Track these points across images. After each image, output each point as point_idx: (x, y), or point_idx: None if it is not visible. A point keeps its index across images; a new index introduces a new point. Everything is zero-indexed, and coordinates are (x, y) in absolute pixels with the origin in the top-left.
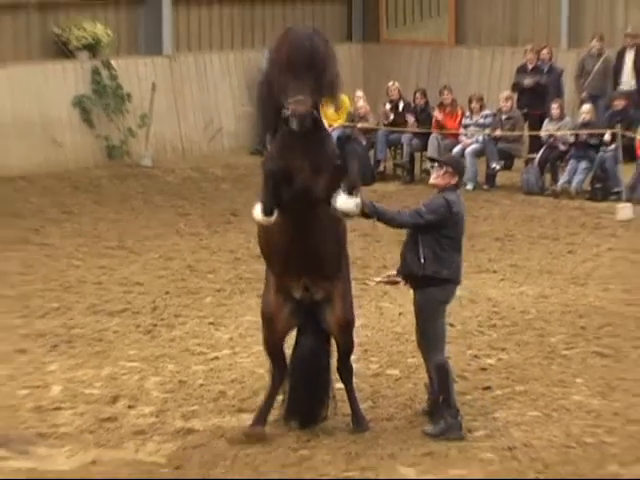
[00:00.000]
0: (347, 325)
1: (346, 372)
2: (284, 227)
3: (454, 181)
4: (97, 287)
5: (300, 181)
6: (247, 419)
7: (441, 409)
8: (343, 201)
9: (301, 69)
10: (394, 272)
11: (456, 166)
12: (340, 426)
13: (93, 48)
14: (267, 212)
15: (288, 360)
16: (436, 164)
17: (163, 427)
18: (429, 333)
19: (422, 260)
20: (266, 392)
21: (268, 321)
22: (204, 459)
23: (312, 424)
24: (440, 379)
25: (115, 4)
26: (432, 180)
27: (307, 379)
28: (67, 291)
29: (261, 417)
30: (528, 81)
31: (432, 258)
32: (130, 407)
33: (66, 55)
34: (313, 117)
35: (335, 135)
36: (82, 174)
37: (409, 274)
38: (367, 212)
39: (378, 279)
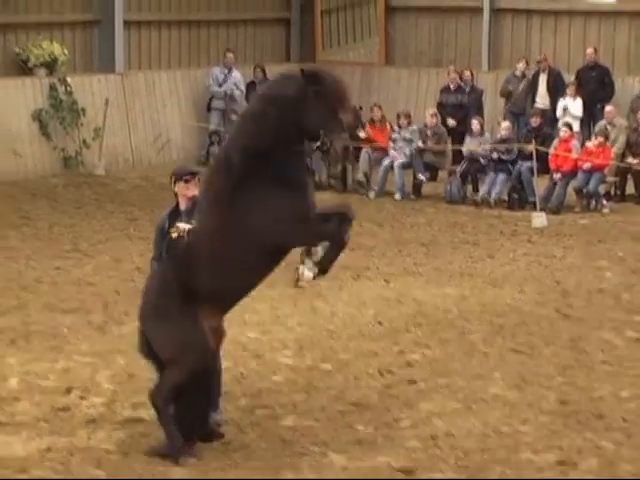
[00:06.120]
0: None
1: None
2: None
3: None
4: (52, 287)
5: None
6: None
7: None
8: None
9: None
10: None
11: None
12: (277, 414)
13: (50, 66)
14: None
15: None
16: (192, 179)
17: (113, 416)
18: None
19: None
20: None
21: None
22: (150, 446)
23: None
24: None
25: (71, 25)
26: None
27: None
28: (25, 290)
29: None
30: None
31: None
32: (82, 398)
33: (25, 72)
34: None
35: None
36: (40, 182)
37: None
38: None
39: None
